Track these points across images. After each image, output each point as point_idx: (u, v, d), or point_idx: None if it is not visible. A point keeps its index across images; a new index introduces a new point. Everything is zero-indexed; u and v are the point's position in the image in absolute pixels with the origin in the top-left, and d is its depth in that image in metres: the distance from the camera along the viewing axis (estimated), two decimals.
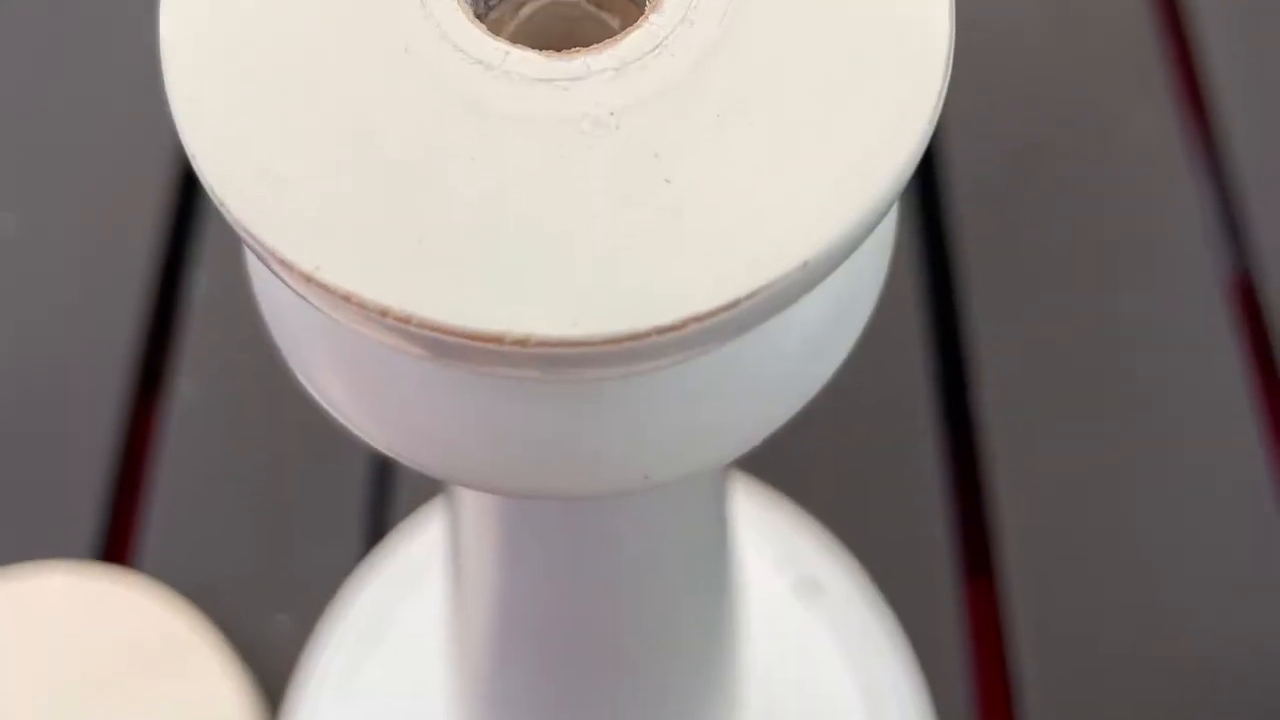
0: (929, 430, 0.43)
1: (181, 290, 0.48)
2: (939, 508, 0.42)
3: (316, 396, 0.23)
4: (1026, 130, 0.42)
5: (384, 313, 0.18)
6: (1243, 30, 0.42)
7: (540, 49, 0.20)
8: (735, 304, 0.18)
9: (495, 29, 0.22)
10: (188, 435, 0.45)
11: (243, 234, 0.19)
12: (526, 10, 0.23)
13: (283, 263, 0.18)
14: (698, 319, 0.18)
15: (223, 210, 0.19)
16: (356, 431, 0.22)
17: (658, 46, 0.20)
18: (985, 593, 0.42)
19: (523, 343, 0.18)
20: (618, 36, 0.20)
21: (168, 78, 0.19)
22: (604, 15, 0.23)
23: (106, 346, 0.46)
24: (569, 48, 0.20)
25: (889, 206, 0.19)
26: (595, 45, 0.20)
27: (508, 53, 0.20)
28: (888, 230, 0.24)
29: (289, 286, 0.19)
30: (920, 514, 0.43)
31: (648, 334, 0.18)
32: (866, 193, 0.19)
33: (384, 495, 0.45)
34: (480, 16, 0.21)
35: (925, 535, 0.42)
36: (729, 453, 0.22)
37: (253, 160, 0.19)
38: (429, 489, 0.43)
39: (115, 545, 0.44)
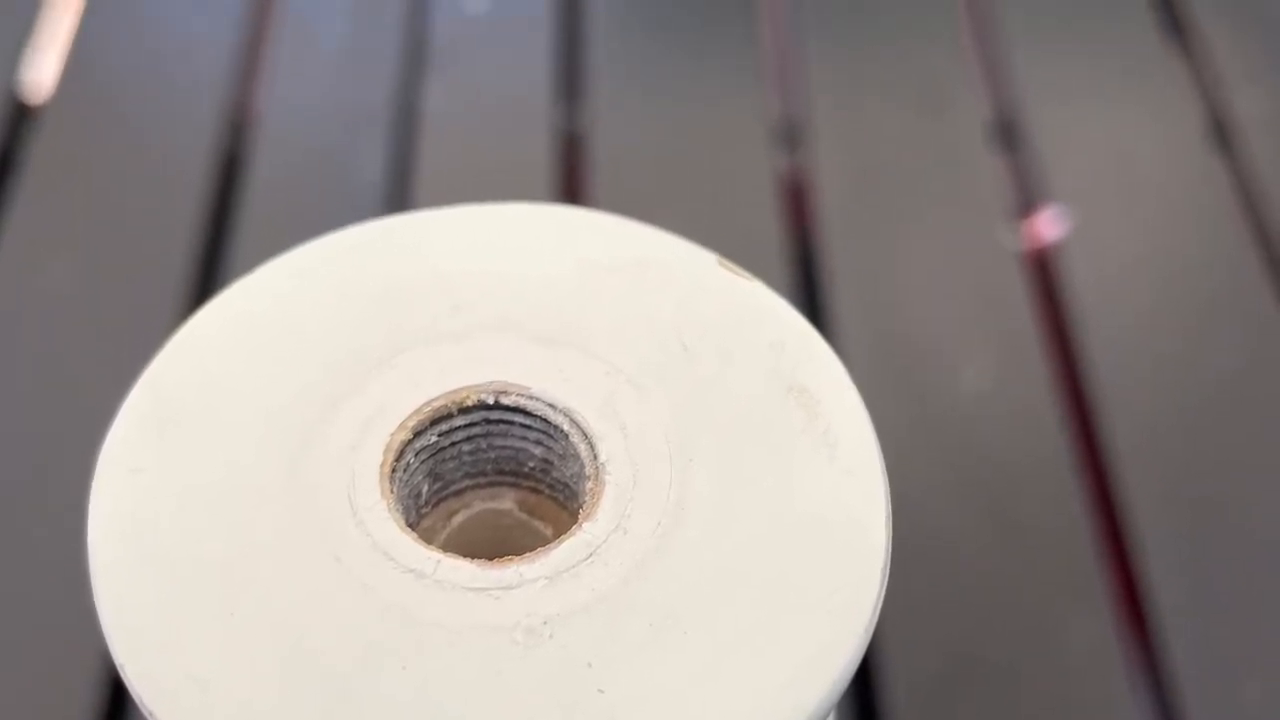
0: None
1: None
2: None
3: None
4: (964, 640, 0.42)
5: None
6: (1185, 540, 0.43)
7: (473, 556, 0.20)
8: None
9: (428, 536, 0.22)
10: None
11: None
12: (458, 519, 0.23)
13: None
14: None
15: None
16: None
17: (591, 555, 0.20)
18: None
19: None
20: (551, 545, 0.20)
21: (95, 582, 0.19)
22: (536, 523, 0.24)
23: None
24: (502, 555, 0.20)
25: (825, 717, 0.19)
26: (528, 554, 0.20)
27: (439, 561, 0.20)
28: None
29: None
30: None
31: None
32: (801, 704, 0.18)
33: None
34: (412, 525, 0.22)
35: None
36: None
37: (181, 668, 0.18)
38: None
39: None
